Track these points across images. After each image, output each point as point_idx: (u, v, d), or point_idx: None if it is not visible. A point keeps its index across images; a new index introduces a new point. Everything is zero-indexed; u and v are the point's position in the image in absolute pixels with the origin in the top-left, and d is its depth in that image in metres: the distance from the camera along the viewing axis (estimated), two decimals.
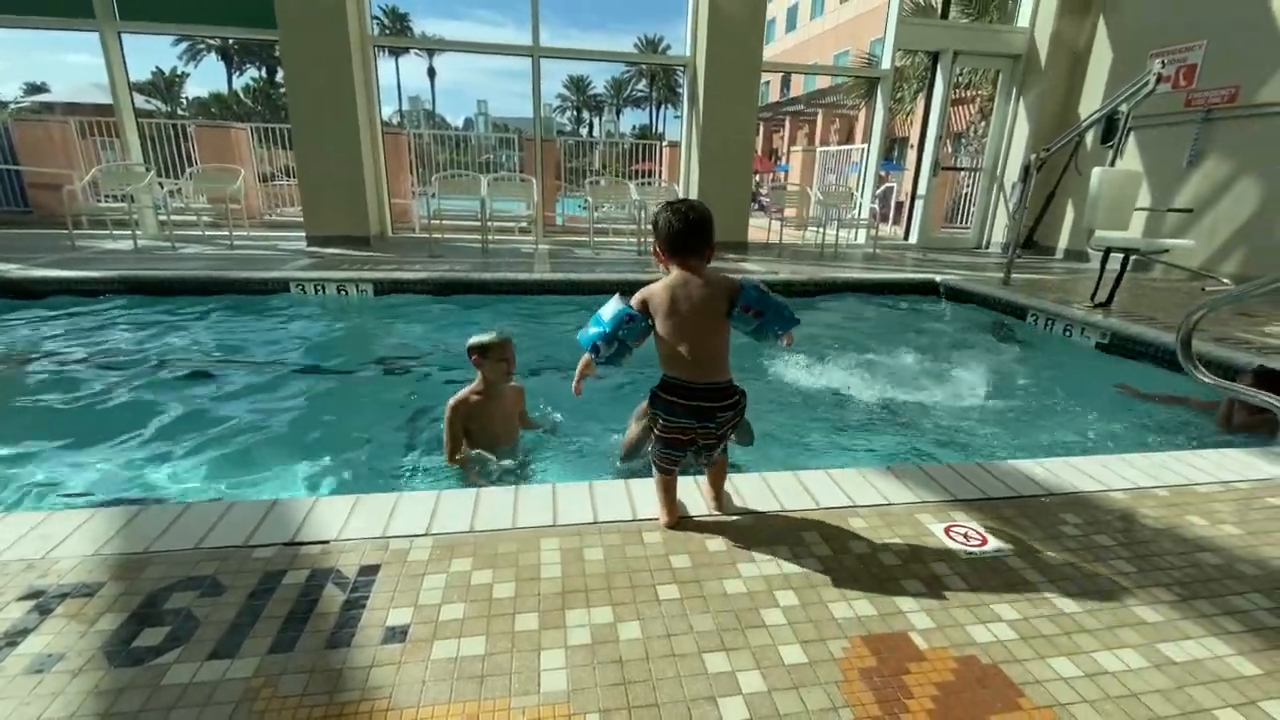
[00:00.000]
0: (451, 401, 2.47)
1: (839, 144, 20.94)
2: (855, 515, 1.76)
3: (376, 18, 8.06)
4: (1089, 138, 7.11)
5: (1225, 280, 5.69)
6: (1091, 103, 7.63)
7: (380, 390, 3.63)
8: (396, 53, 45.83)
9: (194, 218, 7.46)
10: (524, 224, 8.14)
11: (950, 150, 10.16)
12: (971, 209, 9.41)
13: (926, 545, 1.62)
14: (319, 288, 5.16)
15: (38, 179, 8.67)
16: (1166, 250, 4.90)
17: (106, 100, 7.45)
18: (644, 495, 1.79)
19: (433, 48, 39.83)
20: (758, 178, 17.82)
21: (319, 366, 3.88)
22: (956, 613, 1.38)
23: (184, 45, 41.30)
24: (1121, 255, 4.75)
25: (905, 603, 1.40)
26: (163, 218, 7.12)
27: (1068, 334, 4.58)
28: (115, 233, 7.12)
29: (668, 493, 1.67)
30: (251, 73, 44.03)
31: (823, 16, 31.40)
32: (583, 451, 2.74)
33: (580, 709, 1.09)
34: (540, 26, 7.52)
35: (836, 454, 2.96)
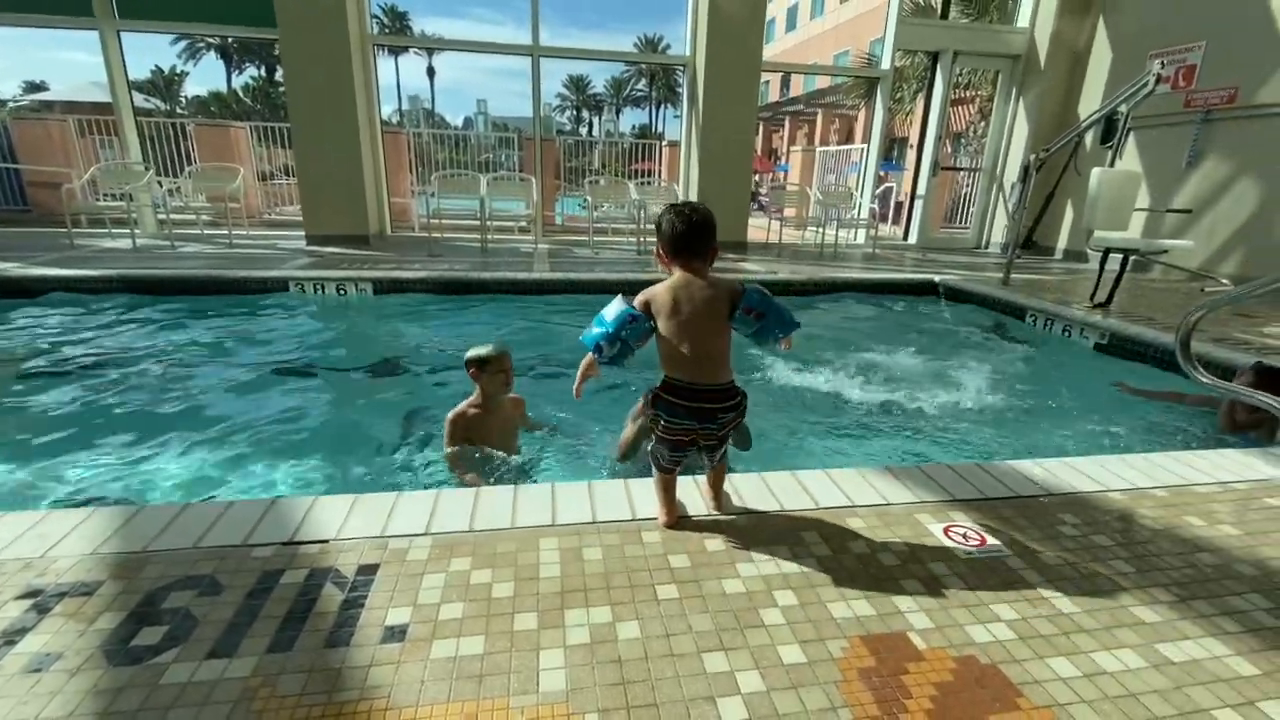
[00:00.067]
0: (450, 415, 2.46)
1: (838, 144, 20.94)
2: (854, 515, 1.76)
3: (376, 17, 8.06)
4: (1088, 138, 7.12)
5: (1224, 281, 5.70)
6: (1091, 103, 7.63)
7: (379, 389, 3.63)
8: (396, 52, 45.81)
9: (193, 216, 7.46)
10: (523, 223, 8.13)
11: (950, 150, 10.16)
12: (971, 209, 9.41)
13: (925, 545, 1.62)
14: (318, 287, 5.15)
15: (36, 177, 8.66)
16: (1165, 251, 4.91)
17: (105, 99, 7.44)
18: (643, 495, 1.79)
19: (432, 47, 39.77)
20: (757, 177, 17.82)
21: (318, 366, 3.87)
22: (955, 613, 1.38)
23: (183, 44, 41.24)
24: (1120, 256, 4.76)
25: (904, 603, 1.40)
26: (162, 216, 7.11)
27: (1067, 334, 4.58)
28: (114, 231, 7.11)
29: (667, 492, 1.67)
30: (251, 71, 44.00)
31: (822, 16, 31.39)
32: (582, 451, 2.74)
33: (579, 708, 1.09)
34: (540, 26, 7.52)
35: (835, 454, 2.97)
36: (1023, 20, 8.28)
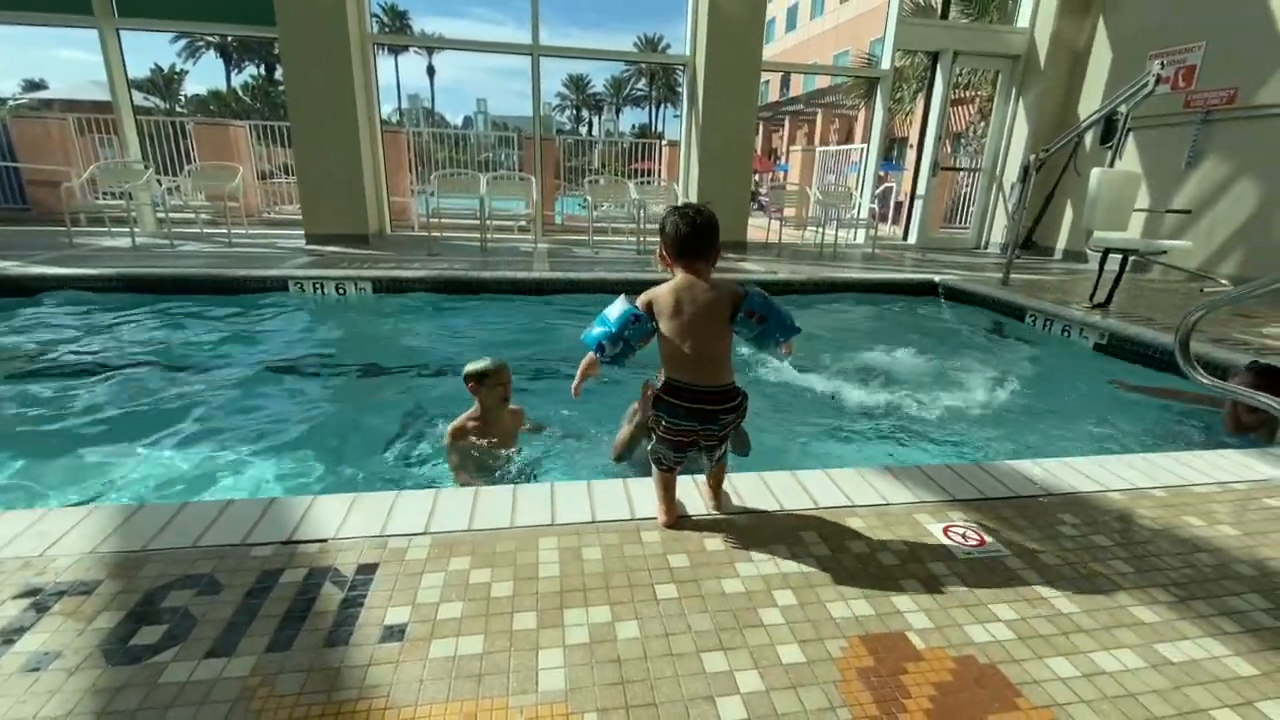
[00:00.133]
0: (450, 428, 2.47)
1: (838, 144, 20.94)
2: (853, 515, 1.76)
3: (376, 16, 8.06)
4: (1088, 138, 7.12)
5: (1223, 281, 5.70)
6: (1091, 103, 7.63)
7: (378, 388, 3.63)
8: (396, 51, 45.78)
9: (192, 215, 7.45)
10: (523, 223, 8.13)
11: (949, 150, 10.16)
12: (970, 209, 9.41)
13: (924, 545, 1.62)
14: (318, 286, 5.15)
15: (36, 176, 8.65)
16: (1165, 251, 4.91)
17: (105, 97, 7.43)
18: (642, 495, 1.79)
19: (432, 46, 39.75)
20: (757, 177, 17.81)
21: (317, 365, 3.87)
22: (954, 613, 1.38)
23: (183, 42, 41.20)
24: (1120, 256, 4.76)
25: (903, 602, 1.40)
26: (161, 215, 7.10)
27: (1066, 334, 4.58)
28: (113, 230, 7.10)
29: (667, 491, 1.67)
30: (250, 70, 43.96)
31: (822, 16, 31.38)
32: (581, 452, 2.74)
33: (578, 708, 1.09)
34: (540, 25, 7.51)
35: (835, 454, 2.97)
36: (1023, 20, 8.28)
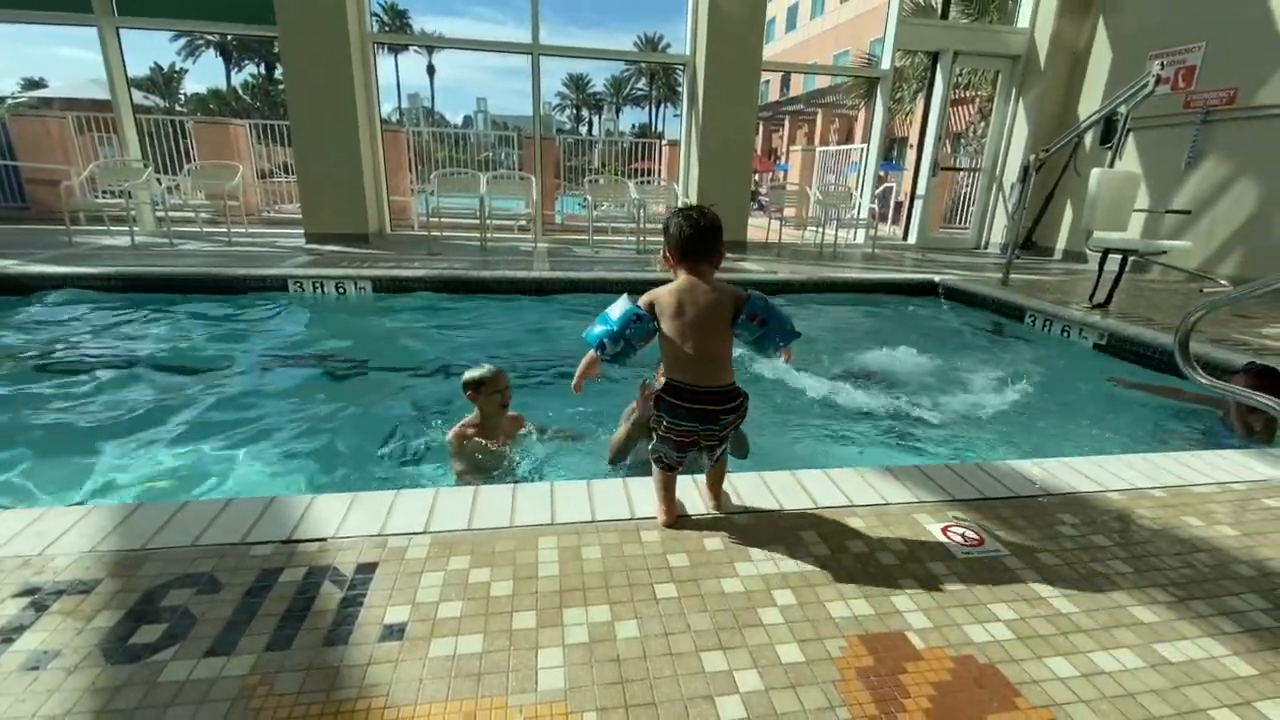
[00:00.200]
0: (450, 435, 2.47)
1: (838, 144, 20.94)
2: (853, 515, 1.76)
3: (376, 15, 8.05)
4: (1088, 139, 7.12)
5: (1223, 282, 5.71)
6: (1091, 104, 7.64)
7: (379, 387, 3.63)
8: (396, 50, 45.75)
9: (192, 214, 7.44)
10: (523, 222, 8.12)
11: (949, 150, 10.16)
12: (970, 209, 9.42)
13: (924, 545, 1.63)
14: (317, 285, 5.15)
15: (35, 174, 8.64)
16: (1164, 251, 4.92)
17: (104, 96, 7.43)
18: (642, 494, 1.79)
19: (432, 45, 39.71)
20: (757, 177, 17.81)
21: (317, 364, 3.87)
22: (953, 612, 1.38)
23: (182, 41, 41.19)
24: (1120, 256, 4.76)
25: (902, 602, 1.40)
26: (160, 214, 7.10)
27: (1066, 335, 4.59)
28: (113, 229, 7.10)
29: (667, 491, 1.68)
30: (250, 69, 43.94)
31: (823, 16, 31.37)
32: (582, 451, 2.74)
33: (577, 707, 1.09)
34: (540, 24, 7.51)
35: (834, 453, 2.97)
36: (1023, 20, 8.28)
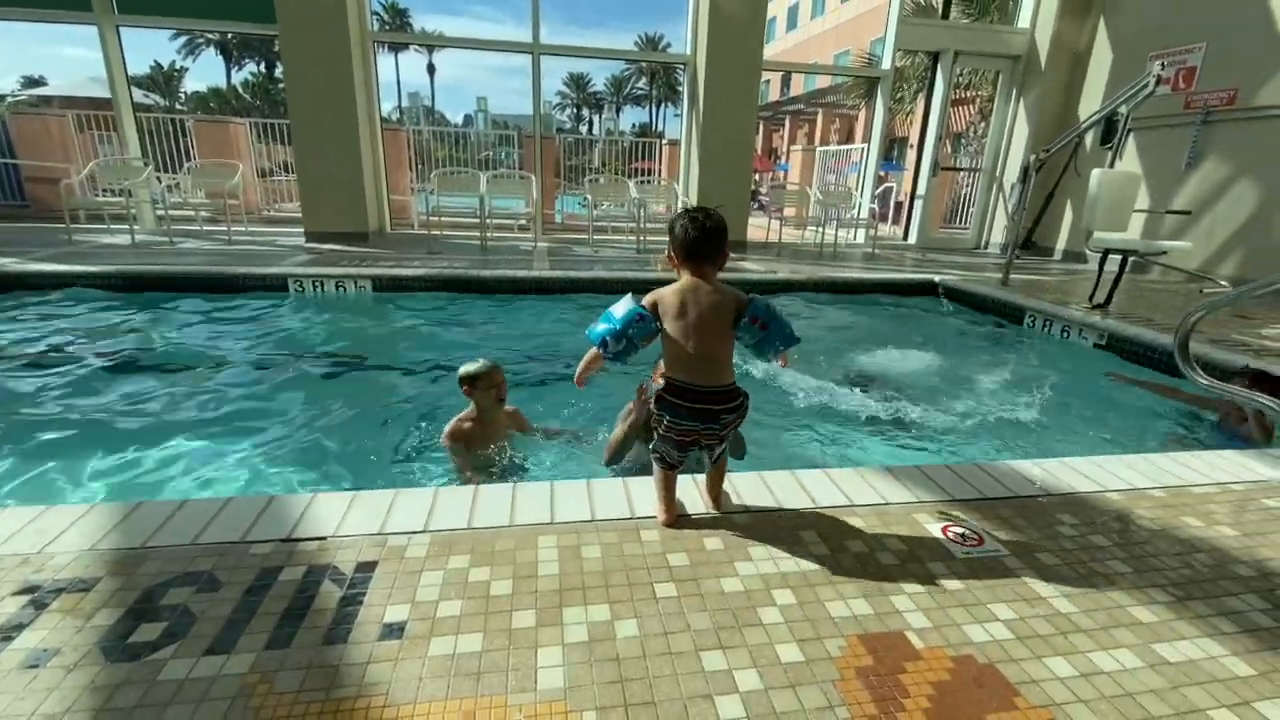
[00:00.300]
0: (447, 429, 2.48)
1: (839, 144, 20.94)
2: (853, 514, 1.76)
3: (376, 14, 8.05)
4: (1088, 139, 7.13)
5: (1223, 282, 5.71)
6: (1091, 104, 7.64)
7: (378, 386, 3.63)
8: (396, 49, 45.68)
9: (192, 213, 7.44)
10: (523, 221, 8.12)
11: (950, 150, 10.17)
12: (971, 209, 9.42)
13: (924, 545, 1.63)
14: (317, 284, 5.15)
15: (35, 173, 8.64)
16: (1164, 252, 4.92)
17: (104, 94, 7.42)
18: (642, 494, 1.79)
19: (433, 44, 39.69)
20: (757, 177, 17.82)
21: (317, 362, 3.87)
22: (953, 612, 1.38)
23: (182, 39, 41.16)
24: (1120, 257, 4.76)
25: (902, 602, 1.40)
26: (160, 212, 7.10)
27: (1065, 335, 4.59)
28: (113, 227, 7.10)
29: (667, 490, 1.68)
30: (250, 68, 43.92)
31: (823, 16, 31.37)
32: (582, 450, 2.74)
33: (577, 706, 1.09)
34: (540, 23, 7.51)
35: (834, 453, 2.97)
36: (1023, 21, 8.28)
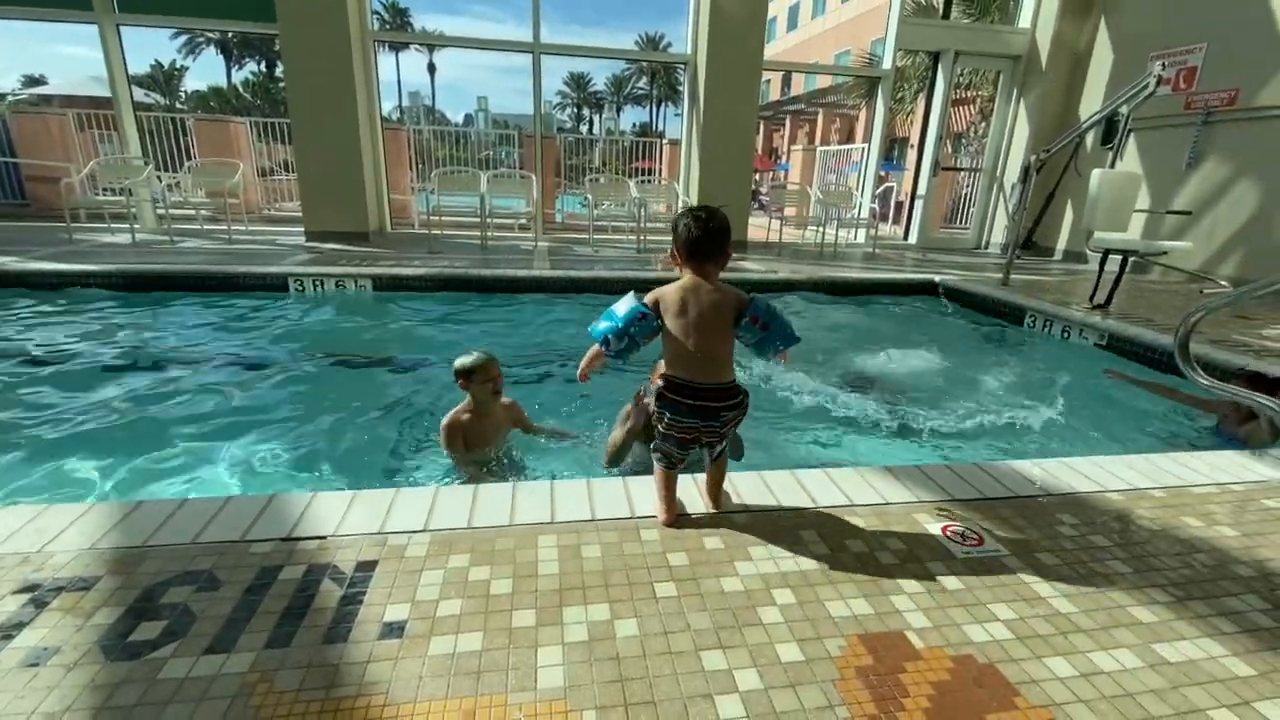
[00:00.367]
0: (445, 422, 2.47)
1: (839, 143, 20.93)
2: (853, 514, 1.76)
3: (377, 13, 8.05)
4: (1089, 139, 7.12)
5: (1223, 282, 5.71)
6: (1092, 104, 7.63)
7: (378, 386, 3.63)
8: (396, 48, 45.66)
9: (192, 212, 7.44)
10: (523, 221, 8.12)
11: (950, 150, 10.16)
12: (971, 209, 9.42)
13: (924, 545, 1.63)
14: (318, 283, 5.15)
15: (35, 171, 8.64)
16: (1165, 252, 4.91)
17: (105, 93, 7.42)
18: (642, 493, 1.80)
19: (433, 43, 39.68)
20: (758, 176, 17.81)
21: (317, 362, 3.87)
22: (953, 612, 1.38)
23: (183, 39, 41.16)
24: (1120, 257, 4.76)
25: (902, 602, 1.40)
26: (161, 211, 7.10)
27: (1066, 335, 4.59)
28: (113, 226, 7.10)
29: (668, 489, 1.68)
30: (251, 67, 43.93)
31: (824, 15, 31.37)
32: (581, 448, 2.74)
33: (577, 705, 1.09)
34: (541, 23, 7.50)
35: (834, 453, 2.97)
36: (1024, 21, 8.27)
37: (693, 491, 1.82)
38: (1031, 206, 7.62)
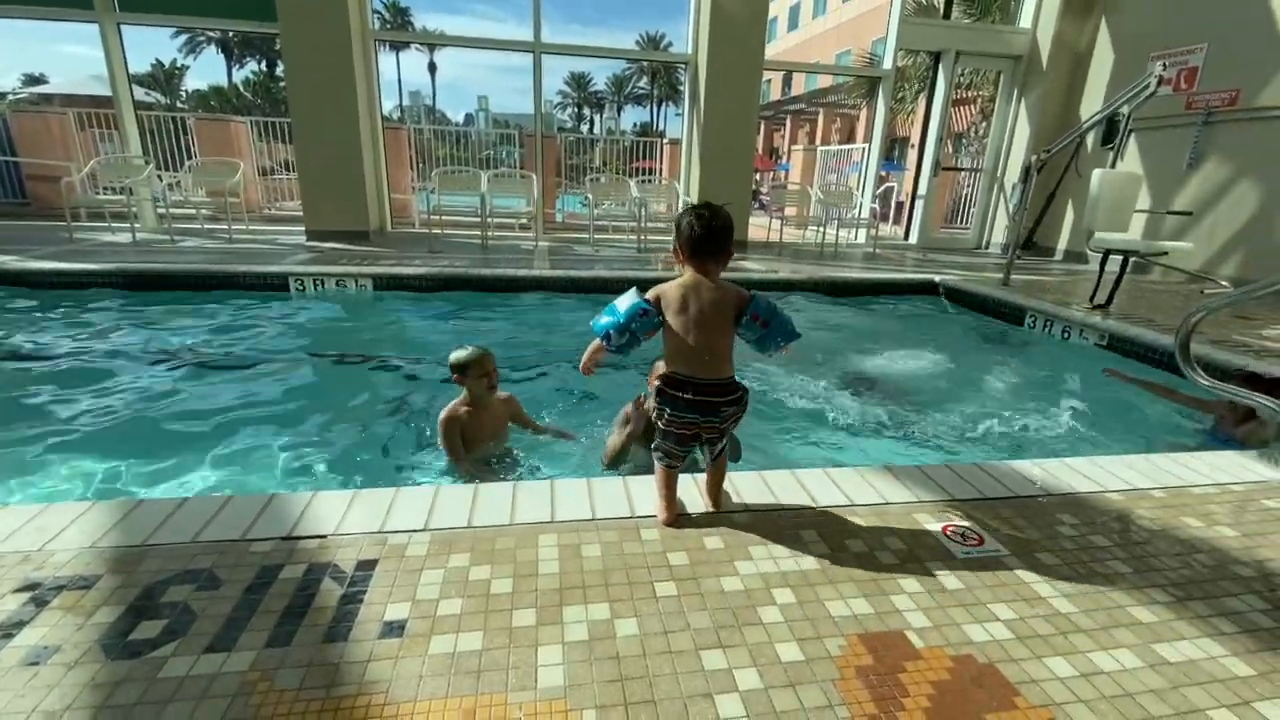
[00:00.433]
0: (442, 416, 2.47)
1: (840, 143, 20.92)
2: (853, 514, 1.76)
3: (377, 12, 8.04)
4: (1090, 139, 7.12)
5: (1224, 283, 5.70)
6: (1092, 104, 7.63)
7: (379, 385, 3.63)
8: (397, 47, 45.65)
9: (193, 211, 7.44)
10: (524, 220, 8.12)
11: (951, 151, 10.16)
12: (972, 209, 9.41)
13: (924, 544, 1.63)
14: (318, 282, 5.15)
15: (36, 170, 8.65)
16: (1166, 253, 4.91)
17: (105, 92, 7.42)
18: (642, 493, 1.80)
19: (434, 43, 39.66)
20: (758, 176, 17.81)
21: (317, 361, 3.87)
22: (953, 612, 1.38)
23: (183, 38, 41.16)
24: (1121, 257, 4.76)
25: (902, 601, 1.40)
26: (161, 211, 7.09)
27: (1066, 336, 4.59)
28: (114, 225, 7.10)
29: (669, 488, 1.68)
30: (251, 66, 43.92)
31: (825, 15, 31.35)
32: (579, 446, 2.74)
33: (577, 705, 1.10)
34: (541, 22, 7.50)
35: (835, 453, 2.97)
36: (1025, 21, 8.27)
37: (693, 491, 1.82)
38: (1032, 207, 7.62)
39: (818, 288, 5.91)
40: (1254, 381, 2.79)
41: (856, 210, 8.44)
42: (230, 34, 35.89)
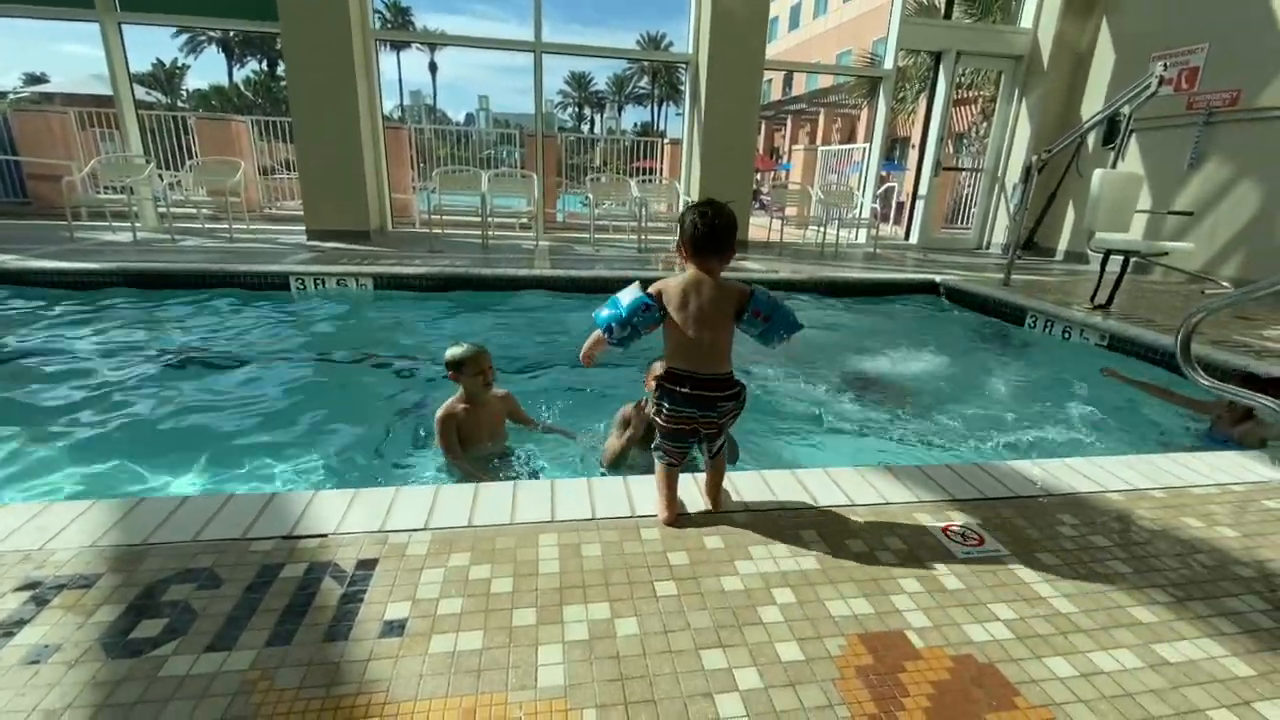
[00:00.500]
0: (440, 414, 2.47)
1: (841, 143, 20.92)
2: (853, 514, 1.76)
3: (378, 12, 8.04)
4: (1090, 139, 7.12)
5: (1224, 283, 5.70)
6: (1093, 104, 7.62)
7: (379, 384, 3.63)
8: (398, 47, 45.66)
9: (194, 210, 7.45)
10: (524, 220, 8.12)
11: (952, 151, 10.16)
12: (972, 210, 9.41)
13: (924, 544, 1.63)
14: (319, 282, 5.15)
15: (37, 170, 8.65)
16: (1166, 253, 4.90)
17: (106, 91, 7.42)
18: (642, 492, 1.80)
19: (434, 42, 39.67)
20: (759, 176, 17.80)
21: (318, 360, 3.87)
22: (953, 612, 1.38)
23: (184, 37, 41.17)
24: (1121, 257, 4.75)
25: (902, 601, 1.40)
26: (162, 210, 7.10)
27: (1067, 336, 4.58)
28: (114, 225, 7.10)
29: (669, 487, 1.69)
30: (252, 65, 43.92)
31: (825, 15, 31.34)
32: (581, 448, 2.74)
33: (577, 704, 1.10)
34: (542, 22, 7.50)
35: (835, 452, 2.97)
36: (1026, 21, 8.27)
37: (693, 491, 1.82)
38: (1033, 207, 7.62)
39: (818, 288, 5.91)
40: (1250, 382, 2.80)
41: (857, 210, 8.44)
42: (231, 33, 35.91)
